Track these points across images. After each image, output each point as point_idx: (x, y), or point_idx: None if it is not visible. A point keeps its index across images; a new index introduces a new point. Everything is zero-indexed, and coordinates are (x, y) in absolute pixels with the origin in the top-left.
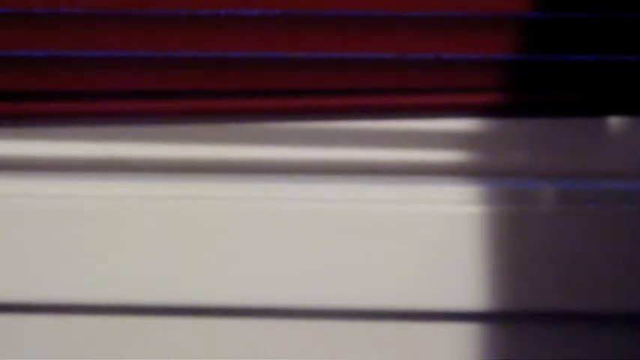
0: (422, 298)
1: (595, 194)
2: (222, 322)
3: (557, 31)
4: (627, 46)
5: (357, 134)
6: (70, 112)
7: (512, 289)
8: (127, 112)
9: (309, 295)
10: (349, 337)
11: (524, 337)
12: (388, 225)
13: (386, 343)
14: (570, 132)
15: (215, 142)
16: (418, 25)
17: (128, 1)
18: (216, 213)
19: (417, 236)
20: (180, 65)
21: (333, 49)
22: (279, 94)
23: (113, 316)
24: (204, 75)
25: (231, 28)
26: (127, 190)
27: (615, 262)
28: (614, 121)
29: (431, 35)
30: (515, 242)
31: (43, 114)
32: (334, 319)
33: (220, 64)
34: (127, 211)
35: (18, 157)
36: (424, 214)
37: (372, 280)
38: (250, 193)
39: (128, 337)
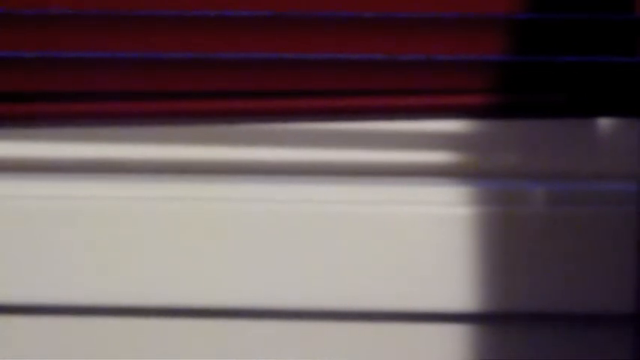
0: (412, 299)
1: (585, 195)
2: (219, 323)
3: (547, 33)
4: (617, 48)
5: (346, 136)
6: (65, 114)
7: (502, 290)
8: (122, 113)
9: (301, 296)
10: (341, 338)
11: (515, 338)
12: (379, 226)
13: (377, 344)
14: (560, 133)
15: (212, 143)
16: (408, 27)
17: (121, 2)
18: (212, 214)
19: (407, 237)
20: (173, 66)
21: (323, 50)
22: (269, 95)
23: (111, 317)
24: (199, 76)
25: (220, 29)
26: (124, 192)
27: (605, 263)
28: (605, 123)
29: (421, 36)
30: (505, 243)
31: (39, 115)
32: (327, 320)
33: (214, 65)
34: (126, 212)
35: (13, 158)
36: (415, 215)
37: (363, 281)
38: (246, 194)
39: (125, 338)
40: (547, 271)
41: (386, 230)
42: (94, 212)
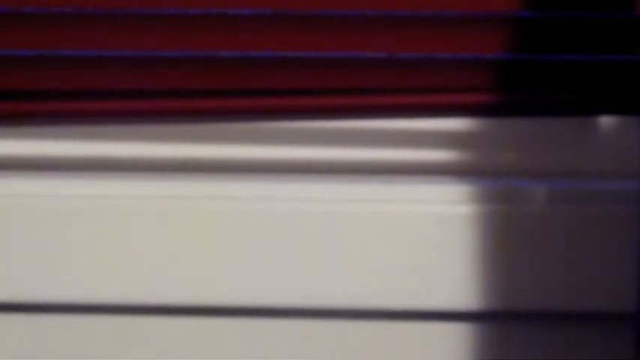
0: (413, 298)
1: (586, 194)
2: (218, 321)
3: (548, 31)
4: (618, 46)
5: (347, 134)
6: (65, 112)
7: (503, 288)
8: (121, 111)
9: (300, 294)
10: (341, 337)
11: (516, 337)
12: (379, 225)
13: (377, 343)
14: (561, 131)
15: (210, 141)
16: (409, 25)
17: (120, 0)
18: (211, 212)
19: (408, 236)
20: (173, 65)
21: (324, 48)
22: (270, 93)
23: (109, 315)
24: (197, 74)
25: (222, 27)
26: (123, 190)
27: (606, 261)
28: (606, 121)
29: (422, 35)
30: (506, 242)
31: (36, 114)
32: (327, 318)
33: (213, 64)
34: (124, 210)
35: (11, 156)
36: (415, 214)
37: (364, 279)
38: (245, 192)
39: (123, 337)
40: (548, 269)
41: (386, 229)
42: (93, 210)
